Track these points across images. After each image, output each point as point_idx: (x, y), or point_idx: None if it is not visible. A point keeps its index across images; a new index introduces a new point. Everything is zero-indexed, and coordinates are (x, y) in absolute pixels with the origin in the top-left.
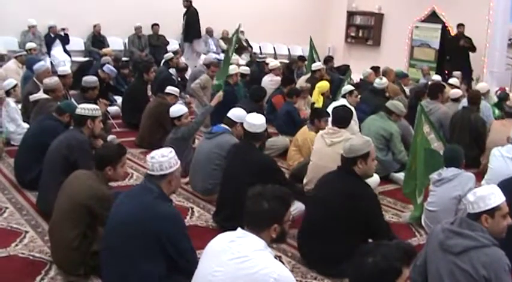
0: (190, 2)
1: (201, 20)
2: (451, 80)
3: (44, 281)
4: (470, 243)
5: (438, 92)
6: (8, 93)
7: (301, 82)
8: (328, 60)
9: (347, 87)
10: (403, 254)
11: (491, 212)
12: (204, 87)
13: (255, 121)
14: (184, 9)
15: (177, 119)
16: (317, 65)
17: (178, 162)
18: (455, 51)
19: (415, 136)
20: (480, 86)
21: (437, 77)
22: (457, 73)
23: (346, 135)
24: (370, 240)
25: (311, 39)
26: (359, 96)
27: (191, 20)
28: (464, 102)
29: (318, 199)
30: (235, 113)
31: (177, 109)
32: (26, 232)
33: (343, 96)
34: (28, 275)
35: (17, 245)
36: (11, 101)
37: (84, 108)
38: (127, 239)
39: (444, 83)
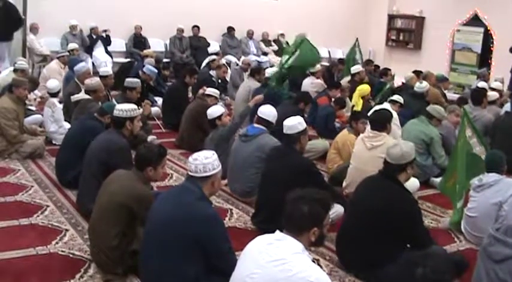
0: None
1: (242, 22)
2: (494, 84)
3: (83, 279)
4: (511, 252)
5: (482, 97)
6: (53, 93)
7: (343, 84)
8: (368, 63)
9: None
10: (453, 266)
11: None
12: None
13: (287, 122)
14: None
15: (217, 119)
16: (356, 68)
17: (220, 164)
18: None
19: (457, 139)
20: None
21: (497, 84)
22: (499, 77)
23: (386, 140)
24: (408, 246)
25: (357, 40)
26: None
27: (5, 17)
28: (507, 107)
29: (358, 204)
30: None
31: (215, 110)
32: (66, 230)
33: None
34: (67, 272)
35: (57, 243)
36: (56, 101)
37: (122, 110)
38: (167, 239)
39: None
